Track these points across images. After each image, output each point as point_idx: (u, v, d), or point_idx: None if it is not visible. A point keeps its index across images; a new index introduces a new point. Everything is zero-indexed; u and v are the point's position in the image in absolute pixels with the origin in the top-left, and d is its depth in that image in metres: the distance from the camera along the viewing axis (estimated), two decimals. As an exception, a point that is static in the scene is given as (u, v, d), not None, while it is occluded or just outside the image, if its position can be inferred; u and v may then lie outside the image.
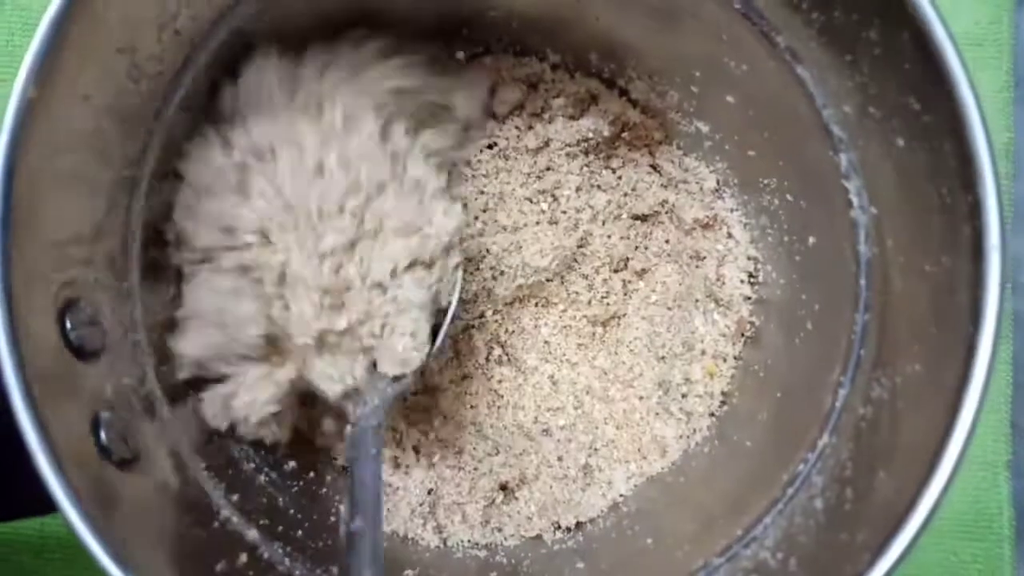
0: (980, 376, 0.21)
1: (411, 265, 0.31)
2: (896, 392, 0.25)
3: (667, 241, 0.38)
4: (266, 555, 0.27)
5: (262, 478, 0.31)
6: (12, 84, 0.39)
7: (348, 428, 0.31)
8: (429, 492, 0.35)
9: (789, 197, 0.32)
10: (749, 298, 0.36)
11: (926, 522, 0.21)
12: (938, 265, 0.24)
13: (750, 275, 0.36)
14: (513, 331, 0.37)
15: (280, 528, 0.29)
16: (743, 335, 0.36)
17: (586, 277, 0.37)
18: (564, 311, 0.38)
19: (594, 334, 0.37)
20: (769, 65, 0.29)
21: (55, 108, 0.23)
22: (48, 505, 0.22)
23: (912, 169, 0.25)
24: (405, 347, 0.31)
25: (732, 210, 0.37)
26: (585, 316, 0.37)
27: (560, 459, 0.36)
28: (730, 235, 0.36)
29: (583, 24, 0.34)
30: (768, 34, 0.28)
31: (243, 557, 0.26)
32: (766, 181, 0.33)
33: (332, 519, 0.31)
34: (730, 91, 0.32)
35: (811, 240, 0.31)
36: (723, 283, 0.36)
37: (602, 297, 0.37)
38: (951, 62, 0.22)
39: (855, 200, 0.28)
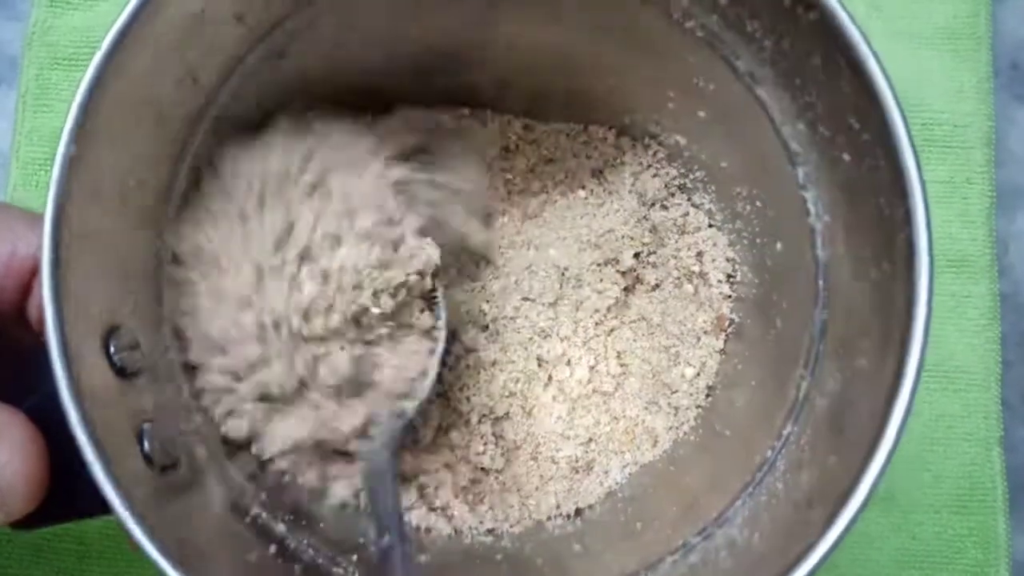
0: (912, 371, 0.24)
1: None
2: (846, 384, 0.28)
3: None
4: (292, 545, 0.31)
5: (287, 478, 0.34)
6: (47, 114, 0.43)
7: (360, 464, 0.33)
8: (439, 486, 0.38)
9: (758, 204, 0.35)
10: (729, 296, 0.38)
11: (867, 499, 0.24)
12: (879, 269, 0.26)
13: (728, 275, 0.39)
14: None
15: (304, 522, 0.32)
16: (723, 331, 0.38)
17: (588, 284, 0.40)
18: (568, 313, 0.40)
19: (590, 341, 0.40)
20: (733, 86, 0.32)
21: (92, 161, 0.27)
22: (102, 507, 0.25)
23: (856, 181, 0.27)
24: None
25: (710, 214, 0.39)
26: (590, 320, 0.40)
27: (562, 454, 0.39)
28: (709, 238, 0.39)
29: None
30: (729, 59, 0.31)
31: (272, 548, 0.30)
32: (738, 189, 0.36)
33: (347, 511, 0.34)
34: (702, 107, 0.35)
35: (778, 245, 0.34)
36: (706, 283, 0.39)
37: (599, 302, 0.40)
38: (880, 86, 0.25)
39: (812, 208, 0.30)
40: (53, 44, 0.45)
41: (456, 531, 0.37)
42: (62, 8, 0.45)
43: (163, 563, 0.24)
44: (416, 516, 0.36)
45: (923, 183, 0.24)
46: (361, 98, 0.37)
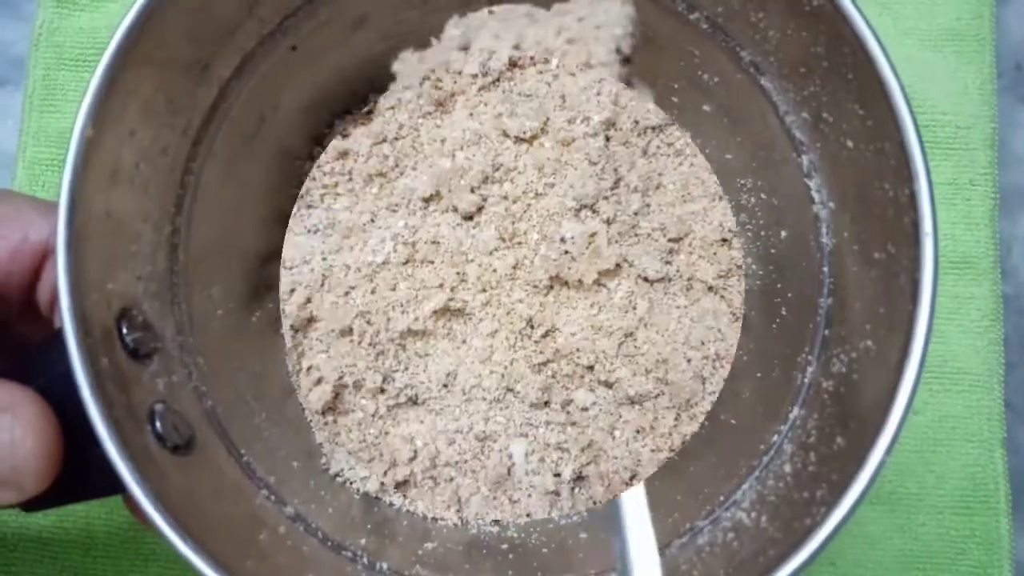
0: (918, 350, 0.24)
1: None
2: (852, 367, 0.28)
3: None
4: (301, 528, 0.31)
5: (295, 463, 0.34)
6: (54, 114, 0.44)
7: None
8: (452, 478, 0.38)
9: (763, 195, 0.35)
10: (735, 289, 0.39)
11: (872, 479, 0.24)
12: (884, 252, 0.27)
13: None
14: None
15: (313, 506, 0.32)
16: (729, 323, 0.39)
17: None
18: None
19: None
20: (737, 77, 0.32)
21: (107, 143, 0.27)
22: (112, 487, 0.25)
23: (861, 167, 0.28)
24: None
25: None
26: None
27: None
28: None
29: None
30: (734, 50, 0.32)
31: (281, 528, 0.30)
32: (742, 181, 0.36)
33: (357, 497, 0.34)
34: (706, 101, 0.35)
35: (783, 234, 0.34)
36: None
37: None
38: (885, 72, 0.25)
39: (816, 196, 0.31)
40: (60, 45, 0.45)
41: (462, 521, 0.37)
42: (68, 9, 0.46)
43: (173, 537, 0.24)
44: (422, 505, 0.37)
45: (928, 165, 0.25)
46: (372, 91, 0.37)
